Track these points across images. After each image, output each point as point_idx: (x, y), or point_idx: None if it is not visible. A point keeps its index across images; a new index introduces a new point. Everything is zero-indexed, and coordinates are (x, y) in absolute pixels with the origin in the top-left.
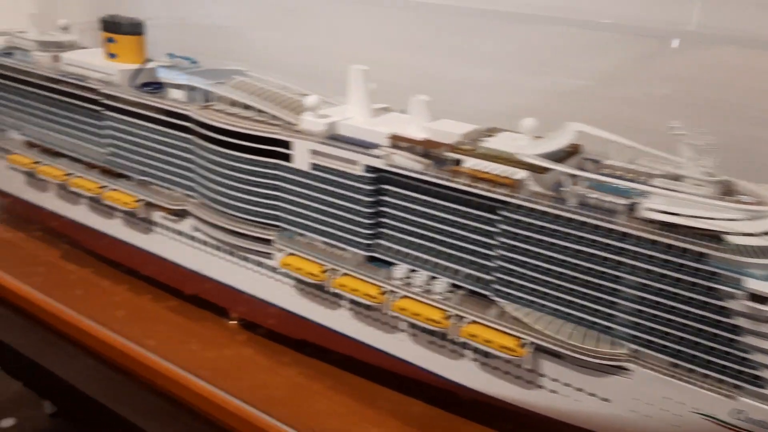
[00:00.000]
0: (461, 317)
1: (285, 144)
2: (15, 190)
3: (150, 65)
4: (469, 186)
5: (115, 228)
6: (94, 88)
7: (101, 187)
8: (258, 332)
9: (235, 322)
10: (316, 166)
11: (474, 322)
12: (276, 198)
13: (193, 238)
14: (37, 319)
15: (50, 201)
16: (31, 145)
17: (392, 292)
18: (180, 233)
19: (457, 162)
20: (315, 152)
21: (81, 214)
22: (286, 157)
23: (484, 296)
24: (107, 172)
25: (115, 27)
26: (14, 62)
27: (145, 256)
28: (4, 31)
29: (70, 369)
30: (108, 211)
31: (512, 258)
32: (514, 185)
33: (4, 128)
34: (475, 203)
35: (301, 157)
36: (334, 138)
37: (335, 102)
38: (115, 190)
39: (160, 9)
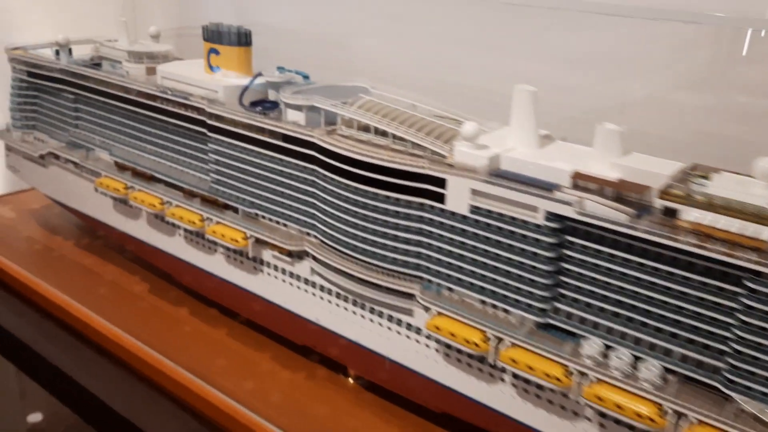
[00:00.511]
0: (682, 414)
1: (437, 181)
2: (101, 215)
3: (259, 80)
4: (700, 247)
5: (216, 265)
6: (198, 106)
7: (204, 219)
8: (378, 393)
9: (355, 380)
10: (476, 210)
11: (702, 422)
12: (420, 244)
13: (310, 283)
14: (126, 366)
15: (142, 230)
16: (121, 167)
17: (583, 374)
18: (294, 276)
19: (671, 212)
20: (476, 192)
21: (178, 246)
22: (438, 197)
23: (711, 386)
24: (210, 202)
25: (220, 36)
26: (104, 74)
27: (249, 298)
28: (90, 39)
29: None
30: (210, 245)
31: (760, 344)
32: (764, 249)
33: (91, 147)
34: (702, 268)
35: (458, 198)
36: (500, 175)
37: (486, 127)
38: (220, 223)
39: (246, 16)
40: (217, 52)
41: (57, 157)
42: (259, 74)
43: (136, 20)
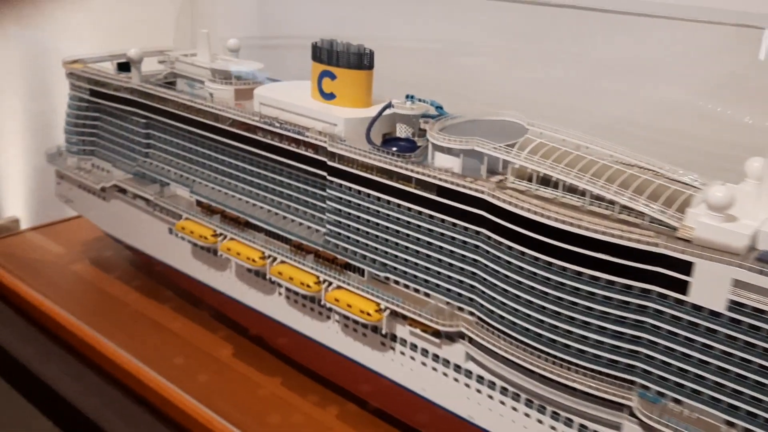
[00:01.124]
0: None
1: (678, 264)
2: (175, 261)
3: (387, 112)
4: None
5: (330, 335)
6: (315, 143)
7: (320, 282)
8: None
9: None
10: (737, 307)
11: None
12: (638, 341)
13: (463, 371)
14: None
15: (232, 285)
16: (206, 208)
17: None
18: (441, 361)
19: None
20: (741, 284)
21: (279, 309)
22: (677, 285)
23: None
24: (327, 260)
25: (336, 57)
26: (186, 98)
27: (374, 379)
28: (160, 51)
29: None
30: (324, 312)
31: None
32: None
33: (165, 181)
34: None
35: (709, 289)
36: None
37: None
38: (343, 288)
39: (334, 30)
40: (332, 76)
41: (123, 191)
42: (389, 105)
43: (193, 27)
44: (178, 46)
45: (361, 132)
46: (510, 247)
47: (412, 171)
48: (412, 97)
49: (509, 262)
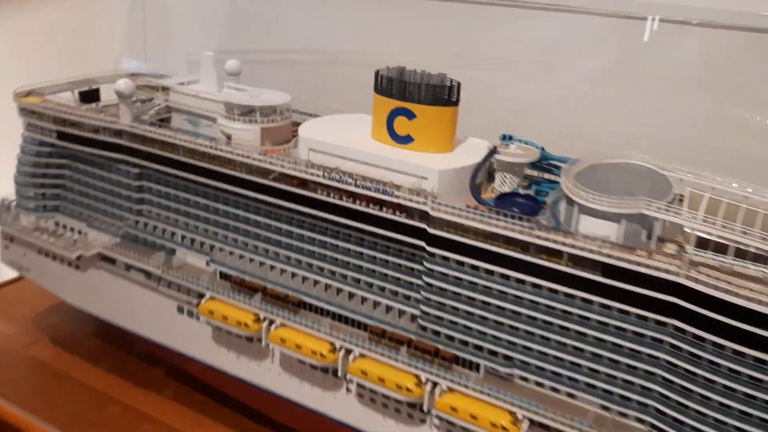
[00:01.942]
0: None
1: None
2: (191, 349)
3: (480, 157)
4: None
5: None
6: (409, 205)
7: (420, 383)
8: None
9: None
10: None
11: None
12: None
13: None
14: None
15: (279, 382)
16: (237, 283)
17: None
18: None
19: None
20: None
21: (358, 415)
22: None
23: None
24: (425, 352)
25: (413, 90)
26: (204, 144)
27: None
28: (141, 76)
29: None
30: (433, 423)
31: None
32: None
33: (169, 246)
34: None
35: None
36: None
37: None
38: (455, 391)
39: (313, 42)
40: (409, 115)
41: (110, 260)
42: (494, 150)
43: (146, 40)
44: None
45: (457, 186)
46: (705, 340)
47: (561, 243)
48: (509, 137)
49: (707, 360)
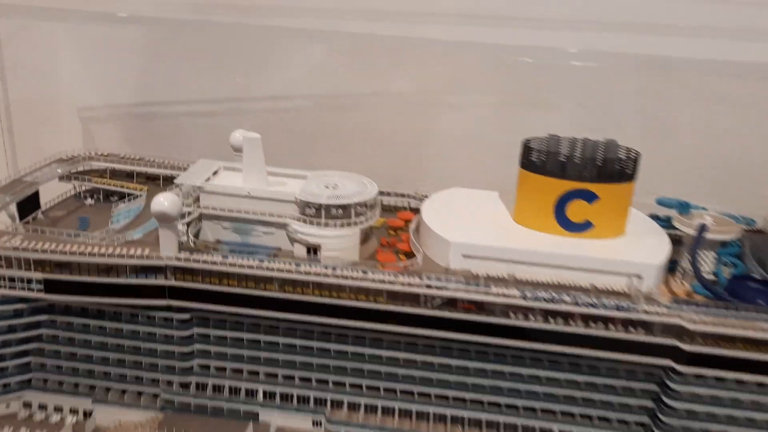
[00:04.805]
0: None
1: None
2: None
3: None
4: None
5: None
6: (650, 320)
7: None
8: None
9: None
10: None
11: None
12: None
13: None
14: None
15: None
16: None
17: None
18: None
19: None
20: None
21: None
22: None
23: None
24: None
25: (587, 166)
26: (317, 272)
27: None
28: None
29: None
30: None
31: None
32: None
33: (255, 408)
34: None
35: None
36: None
37: None
38: None
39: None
40: (589, 197)
41: None
42: (704, 228)
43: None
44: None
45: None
46: None
47: None
48: (686, 205)
49: None
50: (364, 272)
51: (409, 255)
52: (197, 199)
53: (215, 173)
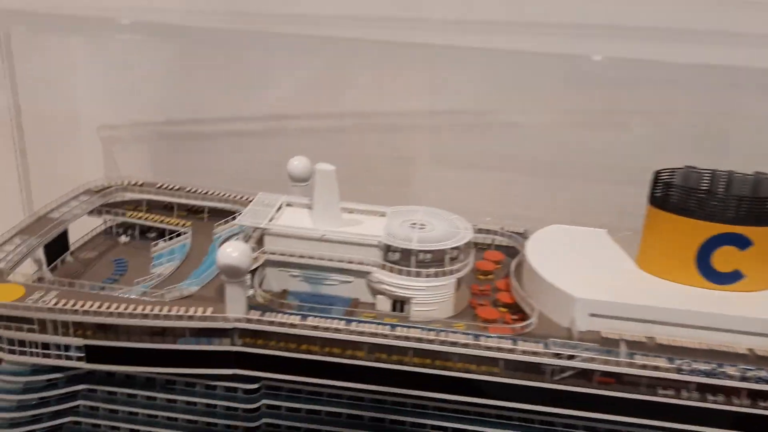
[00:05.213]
0: None
1: None
2: None
3: None
4: None
5: None
6: None
7: None
8: None
9: None
10: None
11: None
12: None
13: None
14: None
15: None
16: None
17: None
18: None
19: None
20: None
21: None
22: None
23: None
24: None
25: (741, 206)
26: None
27: None
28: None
29: None
30: None
31: None
32: None
33: None
34: None
35: None
36: None
37: None
38: None
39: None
40: (742, 243)
41: None
42: None
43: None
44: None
45: None
46: None
47: None
48: None
49: None
50: (476, 337)
51: (512, 308)
52: (260, 242)
53: (278, 209)
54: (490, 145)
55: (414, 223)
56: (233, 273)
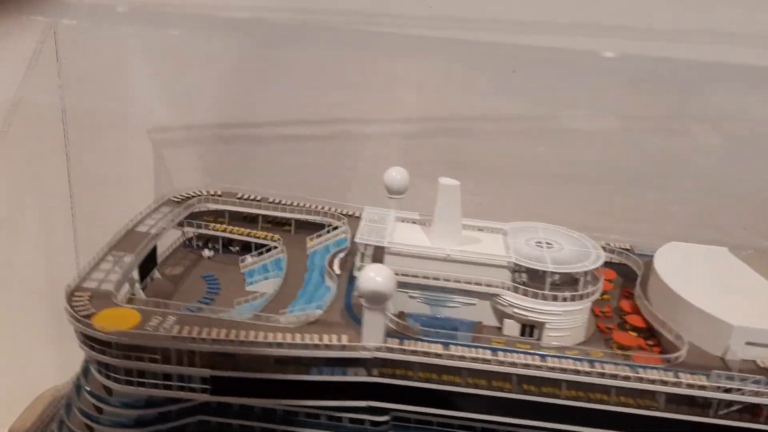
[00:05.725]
0: None
1: None
2: None
3: None
4: None
5: None
6: None
7: None
8: None
9: None
10: None
11: None
12: None
13: None
14: None
15: None
16: None
17: None
18: None
19: None
20: None
21: None
22: None
23: None
24: None
25: None
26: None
27: None
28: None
29: None
30: None
31: None
32: None
33: None
34: None
35: None
36: None
37: None
38: None
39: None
40: None
41: None
42: None
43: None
44: None
45: None
46: None
47: None
48: None
49: None
50: (632, 368)
51: (643, 332)
52: (375, 261)
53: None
54: (576, 154)
55: (539, 242)
56: (376, 299)
